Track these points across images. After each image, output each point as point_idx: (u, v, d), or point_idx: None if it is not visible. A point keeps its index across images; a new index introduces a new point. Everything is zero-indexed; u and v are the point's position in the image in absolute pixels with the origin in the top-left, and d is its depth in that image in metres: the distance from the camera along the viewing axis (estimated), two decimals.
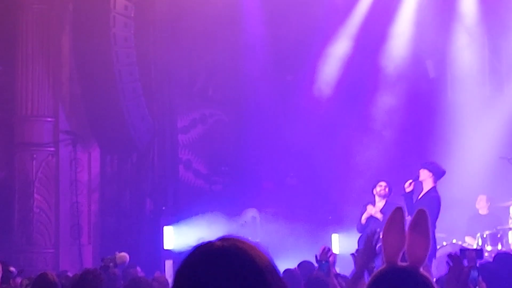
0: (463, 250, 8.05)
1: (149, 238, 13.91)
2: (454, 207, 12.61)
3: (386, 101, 15.71)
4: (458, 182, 14.56)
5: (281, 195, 15.25)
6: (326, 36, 15.65)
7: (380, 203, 12.03)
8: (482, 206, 13.90)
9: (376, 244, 5.57)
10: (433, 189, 11.10)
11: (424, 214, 3.22)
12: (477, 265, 7.67)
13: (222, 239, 2.02)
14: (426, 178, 11.17)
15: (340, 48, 15.74)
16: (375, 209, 11.92)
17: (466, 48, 15.76)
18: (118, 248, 13.52)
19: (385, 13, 15.64)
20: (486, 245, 12.53)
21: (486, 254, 11.16)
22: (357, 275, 5.45)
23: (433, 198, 10.90)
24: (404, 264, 3.05)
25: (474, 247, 12.22)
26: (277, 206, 15.15)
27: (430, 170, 11.19)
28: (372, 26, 15.49)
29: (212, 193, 15.18)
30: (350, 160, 15.39)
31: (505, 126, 15.39)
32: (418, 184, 11.32)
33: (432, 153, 15.32)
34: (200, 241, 2.12)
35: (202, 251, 2.02)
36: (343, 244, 14.93)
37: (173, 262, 13.55)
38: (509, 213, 13.30)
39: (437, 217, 10.70)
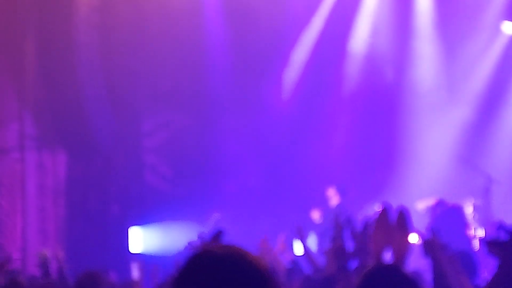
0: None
1: (115, 242, 13.94)
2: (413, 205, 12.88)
3: (346, 104, 15.96)
4: (416, 185, 14.86)
5: (245, 198, 15.37)
6: (289, 40, 15.82)
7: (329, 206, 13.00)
8: None
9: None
10: None
11: (405, 214, 3.38)
12: None
13: (221, 246, 2.01)
14: None
15: (302, 52, 15.93)
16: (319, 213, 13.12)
17: (423, 53, 16.06)
18: (85, 252, 13.59)
19: (344, 18, 15.89)
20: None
21: None
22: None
23: None
24: (389, 262, 3.22)
25: None
26: (241, 208, 15.27)
27: None
28: (332, 32, 15.73)
29: (176, 196, 15.22)
30: (313, 162, 15.59)
31: (462, 127, 15.73)
32: None
33: (389, 156, 15.63)
34: (193, 247, 2.17)
35: (203, 258, 1.97)
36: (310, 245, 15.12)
37: (139, 265, 13.58)
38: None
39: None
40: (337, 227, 6.29)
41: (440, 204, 12.64)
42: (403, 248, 3.21)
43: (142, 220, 14.38)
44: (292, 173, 15.53)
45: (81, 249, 13.49)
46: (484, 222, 13.20)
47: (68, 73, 13.46)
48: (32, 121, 13.76)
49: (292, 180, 15.51)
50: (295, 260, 8.75)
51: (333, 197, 13.27)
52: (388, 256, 3.24)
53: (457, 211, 11.82)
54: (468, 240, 12.08)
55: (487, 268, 9.73)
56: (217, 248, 1.99)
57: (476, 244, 13.12)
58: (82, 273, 7.34)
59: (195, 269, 1.96)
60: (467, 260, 7.69)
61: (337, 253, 7.15)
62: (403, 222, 3.25)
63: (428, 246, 4.72)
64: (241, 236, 13.89)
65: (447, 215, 11.82)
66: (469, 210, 13.49)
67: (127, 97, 14.57)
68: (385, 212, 3.21)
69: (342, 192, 13.19)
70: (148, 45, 14.67)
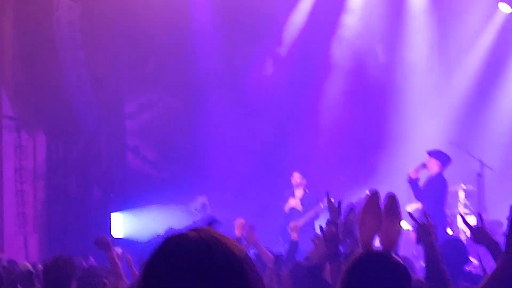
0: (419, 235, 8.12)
1: (97, 226, 13.65)
2: (406, 191, 12.66)
3: (335, 86, 15.70)
4: (409, 167, 14.63)
5: (231, 182, 15.13)
6: (277, 21, 15.55)
7: (298, 193, 12.89)
8: None
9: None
10: (440, 174, 11.94)
11: (394, 199, 3.24)
12: None
13: (196, 229, 1.88)
14: (433, 166, 11.99)
15: (291, 33, 15.66)
16: (295, 201, 12.85)
17: (415, 33, 15.81)
18: (64, 236, 13.31)
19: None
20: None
21: None
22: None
23: (441, 181, 11.87)
24: (378, 249, 3.07)
25: None
26: (227, 192, 15.03)
27: (438, 159, 11.99)
28: (323, 9, 15.45)
29: (161, 180, 14.98)
30: (299, 145, 15.35)
31: (454, 111, 15.52)
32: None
33: (382, 138, 15.39)
34: (169, 232, 1.97)
35: (177, 242, 1.86)
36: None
37: (122, 250, 13.34)
38: (458, 198, 13.40)
39: (446, 199, 11.97)
40: (333, 213, 6.14)
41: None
42: (393, 234, 3.04)
43: (125, 204, 14.10)
44: (280, 156, 15.28)
45: (61, 234, 13.22)
46: (476, 207, 13.01)
47: (49, 53, 13.14)
48: (11, 102, 13.43)
49: (280, 164, 15.25)
50: (291, 245, 8.57)
51: (300, 182, 13.01)
52: (377, 243, 3.05)
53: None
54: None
55: (477, 256, 9.51)
56: (191, 231, 1.88)
57: (466, 231, 12.91)
58: (51, 257, 7.11)
59: (165, 252, 1.85)
60: (458, 247, 7.49)
61: (329, 239, 6.97)
62: (392, 208, 3.08)
63: (422, 230, 4.61)
64: (227, 221, 13.66)
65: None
66: (461, 195, 13.31)
67: (109, 78, 14.29)
68: (373, 198, 3.04)
69: (307, 177, 13.11)
70: (132, 25, 14.35)
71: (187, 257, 1.82)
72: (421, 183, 12.06)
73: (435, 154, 12.12)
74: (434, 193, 11.76)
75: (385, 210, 3.09)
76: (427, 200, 11.42)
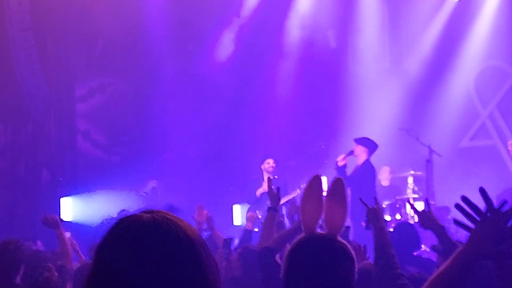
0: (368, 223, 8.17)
1: (46, 210, 13.47)
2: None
3: (287, 71, 15.70)
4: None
5: (182, 166, 15.06)
6: (229, 5, 15.48)
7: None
8: (384, 178, 14.08)
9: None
10: (367, 161, 12.11)
11: (340, 183, 3.23)
12: None
13: (148, 211, 1.88)
14: (361, 153, 12.16)
15: (242, 18, 15.60)
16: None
17: (366, 19, 15.87)
18: (13, 220, 13.13)
19: None
20: (385, 215, 12.68)
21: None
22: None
23: (369, 168, 11.98)
24: (322, 232, 3.05)
25: None
26: (177, 177, 14.97)
27: (364, 145, 12.17)
28: None
29: (111, 164, 14.84)
30: (251, 130, 15.34)
31: (403, 97, 15.64)
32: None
33: (333, 124, 15.45)
34: (122, 214, 1.95)
35: (129, 223, 1.84)
36: (244, 215, 14.91)
37: (71, 234, 13.21)
38: (407, 184, 13.53)
39: (375, 185, 12.10)
40: (273, 199, 6.21)
41: None
42: (337, 218, 3.02)
43: (74, 188, 13.94)
44: (232, 142, 15.25)
45: (9, 217, 13.04)
46: (424, 193, 13.15)
47: None
48: None
49: (232, 149, 15.23)
50: (245, 234, 8.64)
51: (273, 168, 13.01)
52: (320, 227, 3.04)
53: None
54: None
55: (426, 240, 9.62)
56: (144, 213, 1.87)
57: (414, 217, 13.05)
58: None
59: (119, 234, 1.83)
60: (408, 232, 7.56)
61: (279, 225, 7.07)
62: (336, 192, 3.07)
63: (372, 214, 4.65)
64: (178, 205, 13.62)
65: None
66: (409, 181, 13.43)
67: (60, 61, 14.07)
68: (313, 181, 3.02)
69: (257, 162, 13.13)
70: (83, 7, 14.13)
71: (141, 238, 1.80)
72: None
73: (362, 141, 12.28)
74: (362, 179, 11.86)
75: (330, 194, 3.08)
76: (355, 187, 11.42)
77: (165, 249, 1.79)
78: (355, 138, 12.44)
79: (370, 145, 12.25)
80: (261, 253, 5.59)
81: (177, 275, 1.78)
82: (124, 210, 11.95)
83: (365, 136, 12.55)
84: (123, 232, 1.83)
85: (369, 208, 4.85)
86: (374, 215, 4.76)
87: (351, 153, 12.19)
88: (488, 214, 2.65)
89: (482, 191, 2.63)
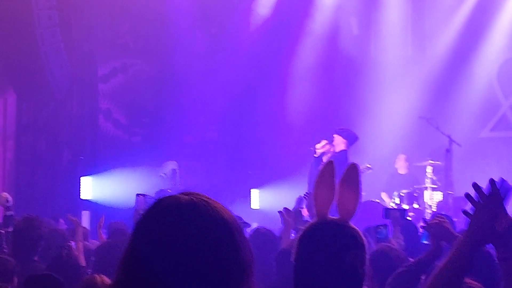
0: (388, 210, 8.17)
1: (66, 188, 13.60)
2: (374, 166, 12.74)
3: (309, 56, 15.68)
4: (378, 141, 14.73)
5: (201, 149, 15.12)
6: None
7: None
8: (400, 166, 14.07)
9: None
10: (344, 152, 11.66)
11: (355, 169, 3.21)
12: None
13: (187, 193, 1.92)
14: (339, 143, 11.76)
15: (265, 4, 15.58)
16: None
17: (390, 7, 15.81)
18: (34, 198, 13.25)
19: None
20: (402, 204, 12.69)
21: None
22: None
23: (343, 159, 11.30)
24: (334, 217, 3.05)
25: (391, 205, 12.42)
26: (197, 159, 15.03)
27: (343, 136, 11.80)
28: None
29: (131, 144, 14.91)
30: (271, 115, 15.35)
31: (425, 86, 15.58)
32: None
33: (353, 111, 15.43)
34: (161, 194, 1.99)
35: (168, 204, 1.88)
36: (262, 200, 14.97)
37: (90, 213, 13.34)
38: (426, 173, 13.51)
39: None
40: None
41: None
42: (350, 204, 3.03)
43: (94, 167, 14.03)
44: (251, 126, 15.27)
45: (29, 195, 13.16)
46: (443, 183, 13.13)
47: (22, 12, 12.96)
48: None
49: (251, 133, 15.26)
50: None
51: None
52: (332, 213, 3.04)
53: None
54: None
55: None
56: (182, 194, 1.91)
57: (432, 206, 13.04)
58: (20, 218, 7.13)
59: (158, 213, 1.87)
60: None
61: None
62: (350, 178, 3.06)
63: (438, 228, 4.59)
64: (195, 188, 13.67)
65: None
66: (428, 170, 13.41)
67: (83, 40, 14.13)
68: (326, 168, 3.02)
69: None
70: None
71: (179, 220, 1.84)
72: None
73: (341, 132, 11.96)
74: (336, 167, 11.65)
75: (344, 179, 3.08)
76: None
77: (202, 231, 1.83)
78: (336, 129, 12.08)
79: (350, 137, 11.88)
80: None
81: (213, 257, 1.82)
82: (162, 190, 12.08)
83: (346, 128, 12.26)
84: (161, 213, 1.87)
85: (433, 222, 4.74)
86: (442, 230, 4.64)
87: (329, 143, 11.81)
88: (481, 201, 2.71)
89: (475, 186, 2.73)
